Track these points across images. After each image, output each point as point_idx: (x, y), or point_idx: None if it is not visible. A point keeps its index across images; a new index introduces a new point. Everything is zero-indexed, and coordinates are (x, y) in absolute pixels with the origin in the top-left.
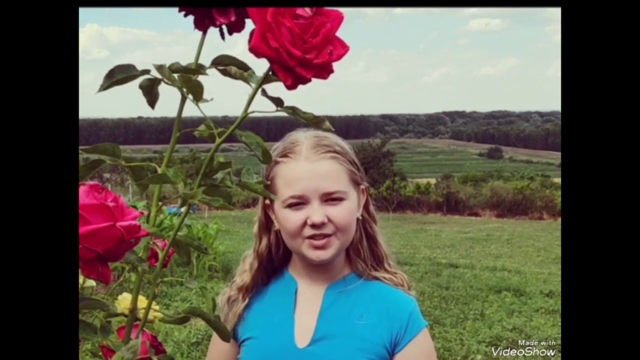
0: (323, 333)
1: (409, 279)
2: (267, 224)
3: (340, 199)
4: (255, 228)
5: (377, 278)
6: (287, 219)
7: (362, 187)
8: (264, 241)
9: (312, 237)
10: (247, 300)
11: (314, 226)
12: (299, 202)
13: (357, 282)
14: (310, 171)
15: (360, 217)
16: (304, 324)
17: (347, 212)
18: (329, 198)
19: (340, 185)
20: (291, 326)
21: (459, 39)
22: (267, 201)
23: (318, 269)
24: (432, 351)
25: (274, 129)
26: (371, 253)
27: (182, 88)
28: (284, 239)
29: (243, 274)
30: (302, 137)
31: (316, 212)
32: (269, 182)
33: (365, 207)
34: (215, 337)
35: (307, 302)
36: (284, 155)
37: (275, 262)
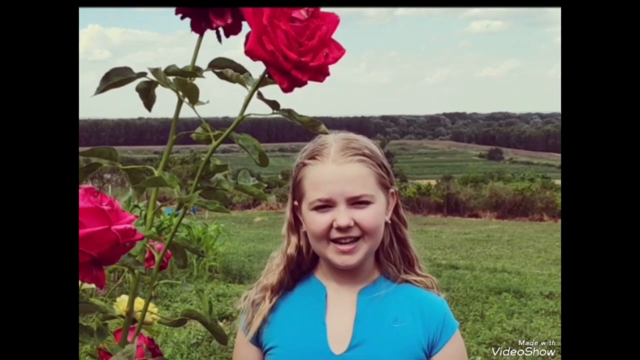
0: (360, 339)
1: (438, 282)
2: (295, 225)
3: (367, 203)
4: (284, 229)
5: (407, 281)
6: (313, 221)
7: (391, 190)
8: (293, 242)
9: (338, 240)
10: (273, 302)
11: (339, 229)
12: (325, 205)
13: (387, 285)
14: (337, 174)
15: (390, 221)
16: (338, 329)
17: (374, 215)
18: (356, 201)
19: (367, 189)
20: (324, 332)
21: (460, 41)
22: (296, 202)
23: (346, 273)
24: (465, 351)
25: (274, 130)
26: (402, 256)
27: (178, 91)
28: (310, 241)
29: (269, 274)
30: (331, 139)
31: (342, 215)
32: (265, 185)
33: (395, 210)
34: (237, 344)
35: (339, 307)
36: (312, 157)
37: (303, 264)
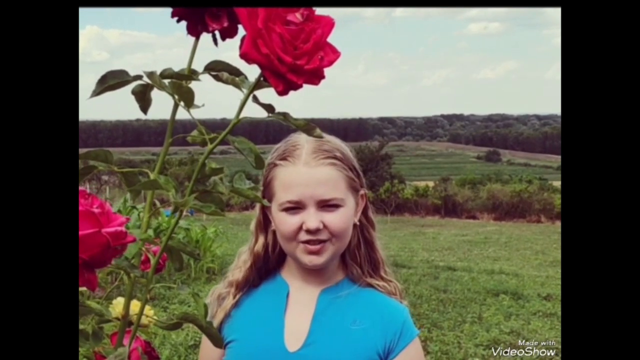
0: (316, 337)
1: (401, 288)
2: (264, 223)
3: (337, 206)
4: (253, 226)
5: (370, 285)
6: (283, 222)
7: (361, 192)
8: (260, 240)
9: (307, 241)
10: (237, 298)
11: (308, 232)
12: (295, 207)
13: (350, 287)
14: (308, 177)
15: (358, 223)
16: (296, 327)
17: (343, 218)
18: (326, 204)
19: (337, 193)
20: (281, 329)
21: (458, 42)
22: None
23: (312, 272)
24: (423, 359)
25: (272, 132)
26: (368, 258)
27: (174, 94)
28: (279, 241)
29: (235, 270)
30: (303, 140)
31: (311, 218)
32: (261, 188)
33: (364, 212)
34: (204, 343)
35: (299, 305)
36: (283, 158)
37: (269, 262)
